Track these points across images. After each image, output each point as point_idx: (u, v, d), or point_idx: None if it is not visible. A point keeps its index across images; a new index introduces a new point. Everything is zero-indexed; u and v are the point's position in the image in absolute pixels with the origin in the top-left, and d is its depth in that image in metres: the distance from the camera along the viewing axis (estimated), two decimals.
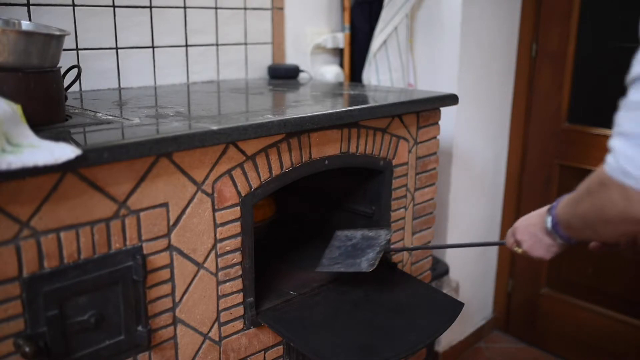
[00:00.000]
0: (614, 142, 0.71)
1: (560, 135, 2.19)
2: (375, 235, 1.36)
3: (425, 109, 1.51)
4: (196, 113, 1.21)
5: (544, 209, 0.99)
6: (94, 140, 0.93)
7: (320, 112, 1.22)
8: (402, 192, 1.52)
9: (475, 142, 2.17)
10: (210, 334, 1.14)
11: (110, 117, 1.13)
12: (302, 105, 1.41)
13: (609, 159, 0.72)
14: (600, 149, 1.97)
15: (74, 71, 1.20)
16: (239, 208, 1.14)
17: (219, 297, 1.14)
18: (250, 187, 1.15)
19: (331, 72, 2.00)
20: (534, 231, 1.00)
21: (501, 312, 2.50)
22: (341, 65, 2.09)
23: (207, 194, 1.08)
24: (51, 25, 1.22)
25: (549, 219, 0.95)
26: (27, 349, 0.85)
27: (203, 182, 1.07)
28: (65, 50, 1.40)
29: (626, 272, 2.10)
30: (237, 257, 1.16)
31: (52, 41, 1.02)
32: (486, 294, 2.48)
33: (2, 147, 0.78)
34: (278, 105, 1.43)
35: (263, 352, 1.26)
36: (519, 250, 1.05)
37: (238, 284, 1.17)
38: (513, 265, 2.42)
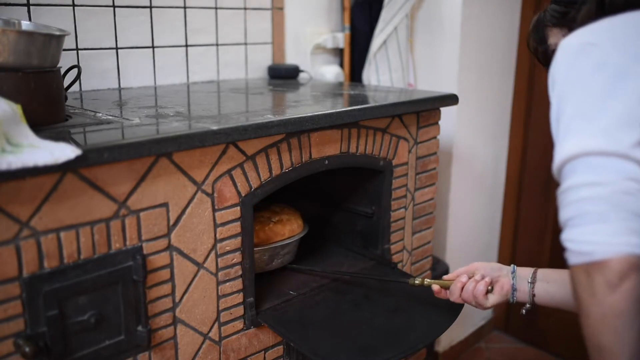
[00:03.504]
0: (563, 235, 0.75)
1: None
2: None
3: (425, 109, 1.51)
4: (196, 113, 1.21)
5: None
6: (94, 140, 0.93)
7: (320, 112, 1.22)
8: (402, 192, 1.52)
9: (475, 142, 2.17)
10: (210, 334, 1.14)
11: (110, 117, 1.13)
12: (302, 105, 1.41)
13: (567, 251, 0.75)
14: None
15: (74, 71, 1.20)
16: (239, 208, 1.14)
17: (219, 297, 1.14)
18: (250, 187, 1.15)
19: (331, 72, 2.00)
20: None
21: (501, 312, 2.50)
22: (341, 65, 2.09)
23: (207, 194, 1.08)
24: (51, 25, 1.22)
25: None
26: (27, 349, 0.85)
27: (203, 182, 1.07)
28: (65, 50, 1.40)
29: None
30: (237, 257, 1.16)
31: (52, 41, 1.02)
32: None
33: (2, 147, 0.78)
34: (278, 105, 1.43)
35: (263, 352, 1.26)
36: None
37: (238, 284, 1.17)
38: None
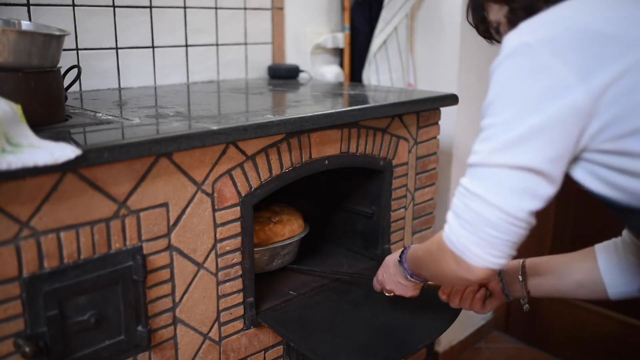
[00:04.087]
0: (450, 218, 0.83)
1: None
2: None
3: (425, 109, 1.51)
4: (196, 113, 1.21)
5: (395, 258, 1.14)
6: (94, 140, 0.93)
7: (320, 112, 1.22)
8: (402, 192, 1.52)
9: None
10: (210, 334, 1.14)
11: (110, 117, 1.13)
12: (302, 105, 1.41)
13: (446, 229, 0.84)
14: None
15: (74, 71, 1.20)
16: (239, 208, 1.14)
17: (219, 297, 1.14)
18: (250, 187, 1.15)
19: (331, 72, 2.00)
20: (397, 280, 1.14)
21: (501, 312, 2.50)
22: (341, 65, 2.09)
23: (207, 194, 1.08)
24: (51, 25, 1.22)
25: (405, 271, 1.10)
26: (27, 349, 0.85)
27: (203, 182, 1.07)
28: (65, 50, 1.40)
29: None
30: (237, 257, 1.16)
31: (52, 41, 1.02)
32: None
33: (2, 147, 0.78)
34: (278, 105, 1.43)
35: (263, 352, 1.26)
36: (391, 294, 1.19)
37: (238, 284, 1.17)
38: None
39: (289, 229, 1.41)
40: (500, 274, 1.14)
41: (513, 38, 0.77)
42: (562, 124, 0.73)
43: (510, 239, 0.78)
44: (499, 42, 0.98)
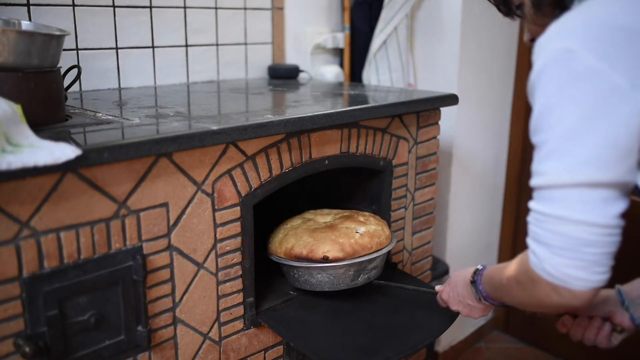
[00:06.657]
0: (535, 248, 0.78)
1: None
2: None
3: (425, 109, 1.51)
4: (196, 113, 1.21)
5: (467, 278, 1.06)
6: (94, 140, 0.93)
7: (320, 112, 1.22)
8: (402, 192, 1.52)
9: (475, 142, 2.17)
10: (210, 334, 1.14)
11: (110, 117, 1.13)
12: (302, 105, 1.41)
13: (533, 259, 0.79)
14: None
15: (74, 71, 1.20)
16: (239, 208, 1.14)
17: (219, 297, 1.14)
18: (250, 187, 1.15)
19: (331, 72, 2.00)
20: (465, 302, 1.09)
21: (501, 312, 2.50)
22: (341, 65, 2.09)
23: (207, 194, 1.08)
24: (51, 25, 1.22)
25: (479, 293, 1.03)
26: (27, 349, 0.85)
27: (203, 182, 1.07)
28: (65, 50, 1.40)
29: (627, 271, 2.09)
30: (237, 257, 1.16)
31: (52, 41, 1.02)
32: None
33: (2, 147, 0.78)
34: (278, 105, 1.43)
35: (263, 352, 1.26)
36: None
37: (238, 284, 1.17)
38: None
39: (376, 242, 1.28)
40: (623, 301, 1.05)
41: (549, 44, 0.73)
42: (630, 131, 0.70)
43: (612, 250, 0.74)
44: (520, 17, 0.95)
